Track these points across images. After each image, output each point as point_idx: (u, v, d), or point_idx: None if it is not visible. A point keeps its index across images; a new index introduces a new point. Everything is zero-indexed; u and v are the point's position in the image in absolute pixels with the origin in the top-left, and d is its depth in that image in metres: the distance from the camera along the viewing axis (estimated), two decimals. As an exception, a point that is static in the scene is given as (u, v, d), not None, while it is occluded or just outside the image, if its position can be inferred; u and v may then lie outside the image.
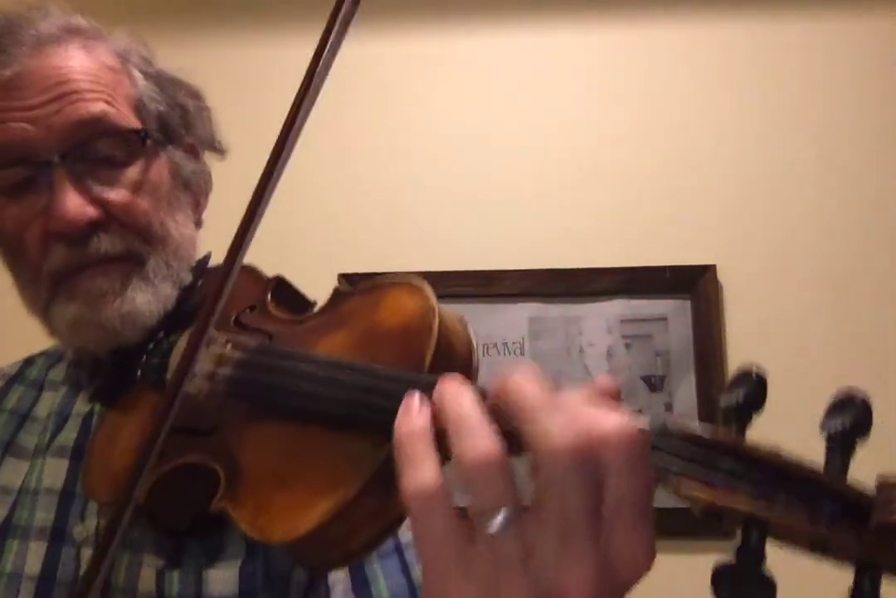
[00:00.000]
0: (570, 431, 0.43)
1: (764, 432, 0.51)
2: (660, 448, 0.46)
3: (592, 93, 2.15)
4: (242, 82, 2.16)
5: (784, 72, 2.11)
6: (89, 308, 0.78)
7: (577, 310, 2.07)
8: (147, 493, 0.64)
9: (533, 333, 2.07)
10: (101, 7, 2.00)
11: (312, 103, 0.64)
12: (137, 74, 0.85)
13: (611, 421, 0.44)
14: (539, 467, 0.43)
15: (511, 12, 2.18)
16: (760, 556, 0.43)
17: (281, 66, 1.94)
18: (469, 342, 0.62)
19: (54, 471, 0.84)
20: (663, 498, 0.47)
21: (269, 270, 0.83)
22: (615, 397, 0.48)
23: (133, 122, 0.82)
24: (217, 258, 0.86)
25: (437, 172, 2.14)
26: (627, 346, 2.05)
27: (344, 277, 2.07)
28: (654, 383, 2.04)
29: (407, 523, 0.51)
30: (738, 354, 2.01)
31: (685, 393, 2.01)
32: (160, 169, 0.84)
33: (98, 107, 0.79)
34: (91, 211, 0.77)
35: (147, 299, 0.79)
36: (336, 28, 0.64)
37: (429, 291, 0.63)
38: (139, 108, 0.83)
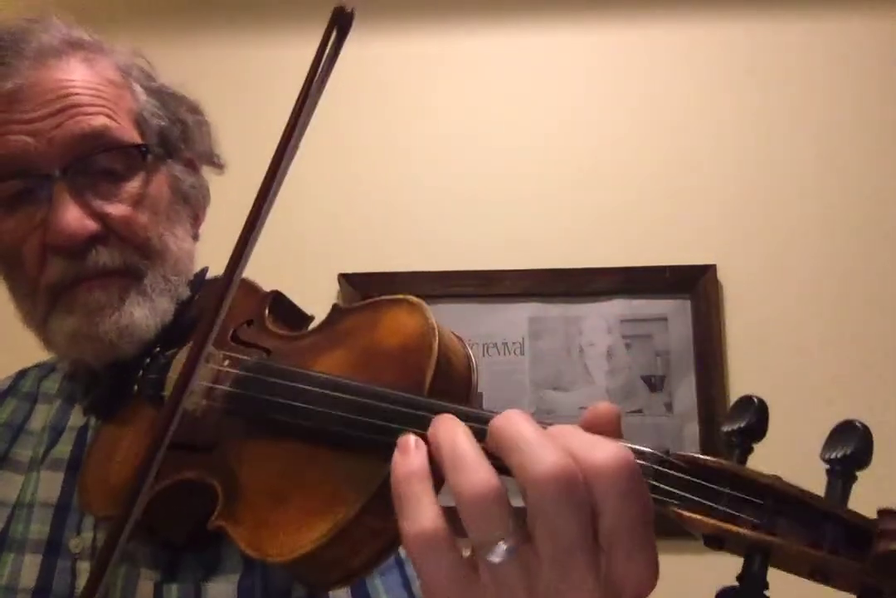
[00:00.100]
0: (554, 460, 0.43)
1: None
2: (660, 477, 0.46)
3: (592, 93, 2.15)
4: (242, 82, 2.15)
5: (784, 72, 2.11)
6: (87, 321, 0.78)
7: (577, 310, 2.07)
8: (144, 508, 0.64)
9: (533, 333, 2.07)
10: (102, 7, 2.01)
11: (310, 115, 0.64)
12: (139, 89, 0.85)
13: (602, 450, 0.44)
14: (526, 498, 0.43)
15: (511, 12, 2.17)
16: (763, 581, 0.44)
17: (281, 66, 1.94)
18: (468, 359, 0.62)
19: (49, 484, 0.83)
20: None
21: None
22: (614, 423, 0.48)
23: (134, 136, 0.81)
24: (214, 272, 0.86)
25: (437, 172, 2.14)
26: (627, 346, 2.05)
27: (344, 277, 2.07)
28: (654, 383, 2.04)
29: None
30: (738, 354, 2.01)
31: (685, 393, 2.02)
32: (160, 183, 0.84)
33: (99, 121, 0.78)
34: (91, 225, 0.77)
35: (144, 313, 0.79)
36: (333, 38, 0.64)
37: (427, 309, 0.62)
38: (140, 122, 0.83)
